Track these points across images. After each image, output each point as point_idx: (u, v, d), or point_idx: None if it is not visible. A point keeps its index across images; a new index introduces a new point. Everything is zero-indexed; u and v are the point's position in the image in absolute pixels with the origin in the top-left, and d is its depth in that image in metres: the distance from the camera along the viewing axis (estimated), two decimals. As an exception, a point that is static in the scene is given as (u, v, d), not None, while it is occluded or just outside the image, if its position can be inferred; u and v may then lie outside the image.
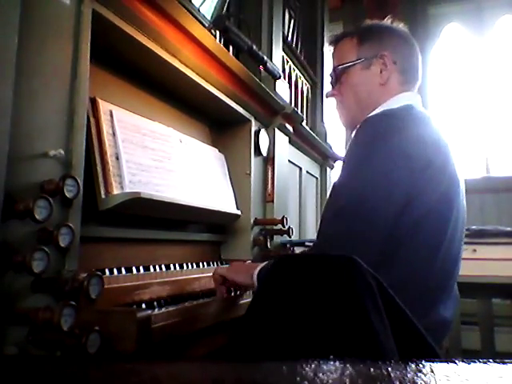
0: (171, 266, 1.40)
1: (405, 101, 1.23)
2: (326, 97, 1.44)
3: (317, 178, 2.94)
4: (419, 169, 1.07)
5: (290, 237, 1.94)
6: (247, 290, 1.37)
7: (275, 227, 1.94)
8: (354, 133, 1.20)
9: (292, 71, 2.71)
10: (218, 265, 1.65)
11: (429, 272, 1.08)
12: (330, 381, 0.48)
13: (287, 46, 2.62)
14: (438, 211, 1.10)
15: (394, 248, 1.06)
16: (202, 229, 1.66)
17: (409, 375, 0.48)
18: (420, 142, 1.11)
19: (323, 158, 2.95)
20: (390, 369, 0.50)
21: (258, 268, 1.19)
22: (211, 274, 1.34)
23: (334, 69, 1.33)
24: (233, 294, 1.35)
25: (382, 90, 1.26)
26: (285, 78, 2.44)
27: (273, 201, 1.97)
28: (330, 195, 1.18)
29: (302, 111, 2.83)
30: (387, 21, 1.35)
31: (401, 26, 1.34)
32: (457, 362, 0.53)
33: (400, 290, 0.92)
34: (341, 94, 1.34)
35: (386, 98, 1.25)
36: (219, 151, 1.78)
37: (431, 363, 0.52)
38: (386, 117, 1.17)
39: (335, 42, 1.38)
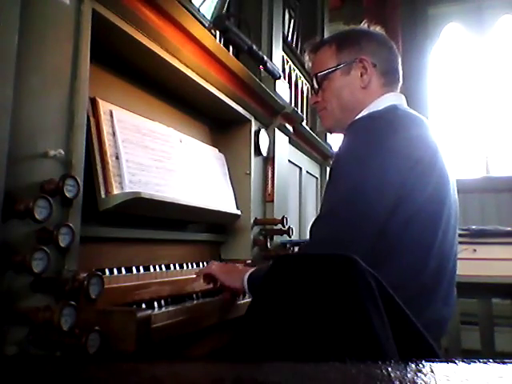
0: (171, 265, 1.40)
1: (389, 101, 1.25)
2: (310, 104, 1.47)
3: (317, 178, 2.94)
4: (408, 167, 1.08)
5: (290, 237, 1.94)
6: (239, 294, 1.36)
7: (275, 227, 1.94)
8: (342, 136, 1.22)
9: (292, 71, 2.71)
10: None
11: (423, 270, 1.09)
12: (330, 381, 0.48)
13: (287, 46, 2.62)
14: (428, 209, 1.11)
15: (388, 247, 1.08)
16: (202, 229, 1.66)
17: (409, 375, 0.48)
18: (407, 140, 1.12)
19: (323, 157, 2.95)
20: (389, 369, 0.50)
21: (249, 272, 1.21)
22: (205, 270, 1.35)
23: (316, 76, 1.36)
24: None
25: (364, 93, 1.29)
26: (285, 78, 2.44)
27: (273, 201, 1.97)
28: (324, 194, 1.20)
29: (301, 111, 2.83)
30: (364, 25, 1.38)
31: (377, 29, 1.37)
32: (457, 361, 0.53)
33: (395, 289, 0.93)
34: (324, 100, 1.36)
35: (369, 101, 1.27)
36: (219, 151, 1.78)
37: (431, 363, 0.53)
38: (373, 118, 1.18)
39: (314, 50, 1.41)
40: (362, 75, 1.29)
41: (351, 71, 1.30)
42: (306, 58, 1.45)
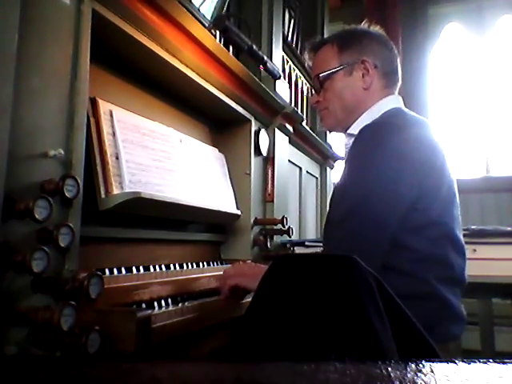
0: (171, 265, 1.40)
1: (392, 104, 1.27)
2: (311, 104, 1.47)
3: (317, 178, 2.94)
4: (420, 171, 1.11)
5: (289, 237, 1.94)
6: None
7: (275, 227, 1.94)
8: (351, 141, 1.24)
9: (292, 71, 2.71)
10: (217, 265, 1.64)
11: (440, 266, 1.13)
12: (330, 380, 0.48)
13: (287, 46, 2.61)
14: (441, 212, 1.14)
15: (399, 250, 1.09)
16: (202, 229, 1.66)
17: (409, 375, 0.48)
18: (419, 144, 1.14)
19: (323, 157, 2.95)
20: (389, 369, 0.50)
21: None
22: (212, 274, 1.34)
23: (317, 76, 1.36)
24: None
25: (366, 94, 1.30)
26: (285, 78, 2.44)
27: (273, 201, 1.97)
28: (334, 200, 1.21)
29: (301, 111, 2.83)
30: (364, 25, 1.38)
31: (377, 29, 1.38)
32: (457, 362, 0.53)
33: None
34: (325, 99, 1.36)
35: (370, 102, 1.29)
36: (219, 151, 1.78)
37: (431, 363, 0.52)
38: (383, 124, 1.20)
39: (315, 49, 1.41)
40: (363, 76, 1.30)
41: (353, 72, 1.31)
42: (306, 56, 1.46)
